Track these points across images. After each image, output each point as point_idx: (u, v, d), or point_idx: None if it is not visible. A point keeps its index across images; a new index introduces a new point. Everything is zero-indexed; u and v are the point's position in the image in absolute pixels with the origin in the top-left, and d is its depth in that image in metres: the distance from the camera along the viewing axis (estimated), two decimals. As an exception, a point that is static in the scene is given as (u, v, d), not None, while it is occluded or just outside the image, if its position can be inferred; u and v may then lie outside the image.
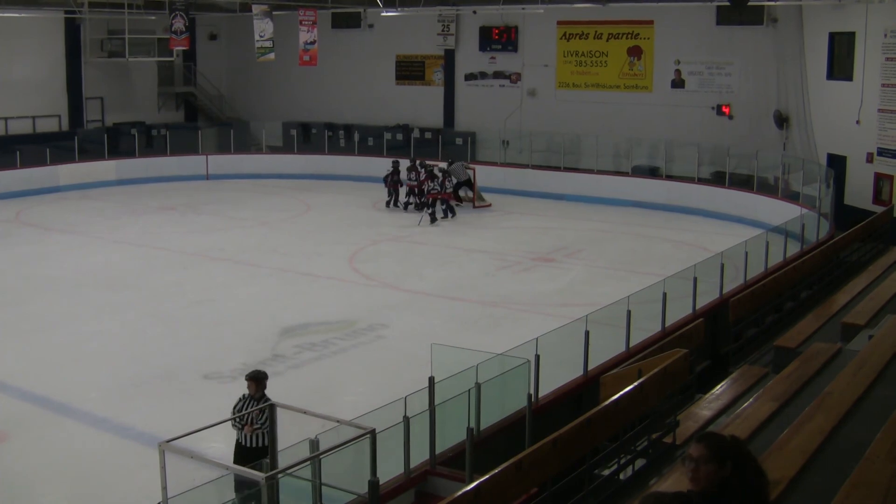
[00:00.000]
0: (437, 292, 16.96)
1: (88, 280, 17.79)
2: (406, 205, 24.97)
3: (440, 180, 23.74)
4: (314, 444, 7.19)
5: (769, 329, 12.80)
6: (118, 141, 30.94)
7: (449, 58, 32.44)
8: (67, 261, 19.40)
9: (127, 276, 18.01)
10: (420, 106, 32.90)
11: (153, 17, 31.43)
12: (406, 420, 8.14)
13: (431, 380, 8.92)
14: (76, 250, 20.41)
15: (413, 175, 24.85)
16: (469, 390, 8.79)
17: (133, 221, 23.50)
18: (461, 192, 25.82)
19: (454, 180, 24.99)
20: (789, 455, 6.68)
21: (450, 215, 23.62)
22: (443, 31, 32.04)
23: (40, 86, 31.22)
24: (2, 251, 20.30)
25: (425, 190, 23.87)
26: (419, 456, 8.61)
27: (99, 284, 17.42)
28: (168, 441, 6.82)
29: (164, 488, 6.62)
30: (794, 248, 17.06)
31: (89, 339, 14.24)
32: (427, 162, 25.14)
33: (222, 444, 9.23)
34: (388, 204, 25.39)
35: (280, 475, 6.80)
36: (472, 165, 26.61)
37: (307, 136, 33.37)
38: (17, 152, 27.41)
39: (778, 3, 24.51)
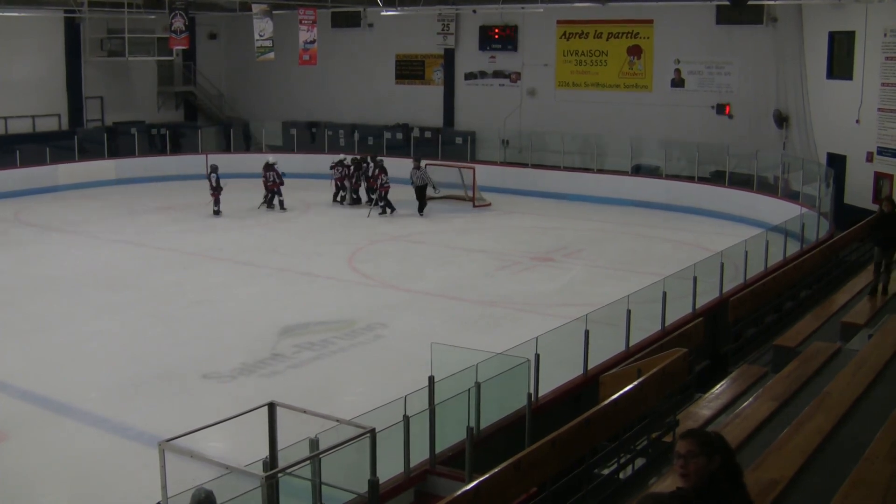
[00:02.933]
0: (437, 292, 16.96)
1: (88, 280, 17.78)
2: (350, 199, 25.78)
3: (388, 175, 24.53)
4: (314, 443, 7.18)
5: (769, 328, 12.81)
6: (118, 140, 30.94)
7: (449, 57, 32.44)
8: (67, 261, 19.39)
9: (127, 276, 18.01)
10: (420, 105, 32.90)
11: (153, 17, 31.41)
12: (406, 419, 8.14)
13: (431, 379, 8.92)
14: (76, 250, 20.40)
15: (340, 170, 25.78)
16: (469, 390, 8.79)
17: (132, 221, 23.50)
18: (461, 192, 25.86)
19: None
20: (789, 455, 6.69)
21: (389, 211, 24.44)
22: (442, 30, 32.04)
23: (40, 85, 31.22)
24: (1, 251, 20.28)
25: (378, 183, 24.37)
26: (419, 455, 8.61)
27: (99, 284, 17.41)
28: (168, 441, 6.82)
29: (164, 488, 6.61)
30: (793, 248, 17.07)
31: (89, 339, 14.25)
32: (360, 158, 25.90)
33: (222, 443, 9.25)
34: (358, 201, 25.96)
35: (280, 474, 6.80)
36: (470, 165, 26.65)
37: (307, 136, 33.36)
38: (17, 151, 27.41)
39: (777, 2, 24.50)
